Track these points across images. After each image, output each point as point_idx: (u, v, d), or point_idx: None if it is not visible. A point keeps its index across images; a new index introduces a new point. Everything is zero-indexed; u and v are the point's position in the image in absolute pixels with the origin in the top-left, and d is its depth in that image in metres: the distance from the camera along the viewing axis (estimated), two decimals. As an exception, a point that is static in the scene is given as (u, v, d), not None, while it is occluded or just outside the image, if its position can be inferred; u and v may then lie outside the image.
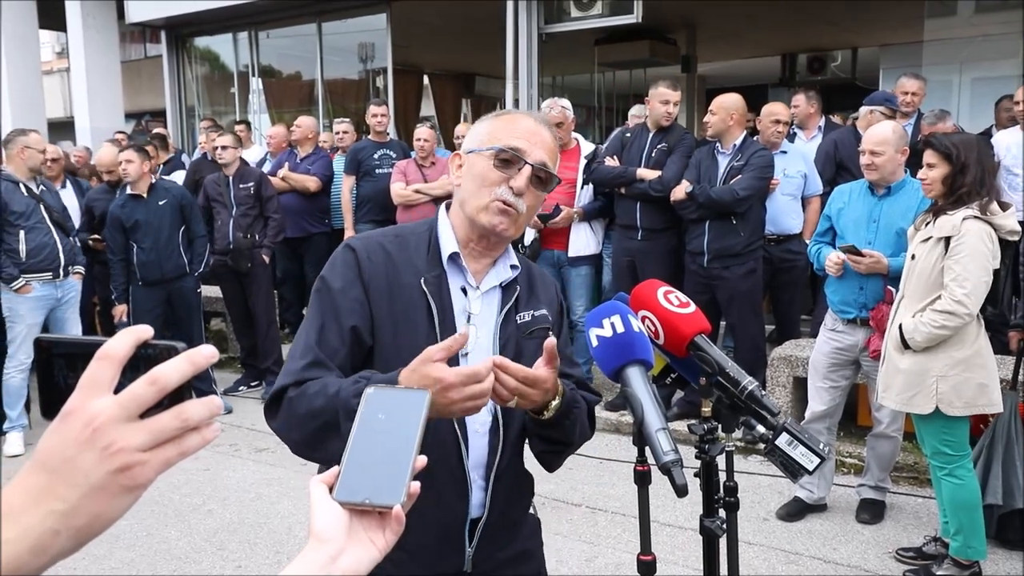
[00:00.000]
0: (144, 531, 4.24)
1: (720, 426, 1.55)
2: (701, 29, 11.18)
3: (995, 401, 3.42)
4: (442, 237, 1.67)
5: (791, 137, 6.10)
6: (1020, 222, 3.48)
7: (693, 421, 1.56)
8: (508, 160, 1.61)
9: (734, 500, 1.57)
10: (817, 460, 1.51)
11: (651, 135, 5.56)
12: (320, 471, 0.92)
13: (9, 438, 5.56)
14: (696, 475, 1.53)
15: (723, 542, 1.57)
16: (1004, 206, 3.39)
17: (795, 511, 4.27)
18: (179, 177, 7.58)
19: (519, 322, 1.69)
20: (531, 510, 1.82)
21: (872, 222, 3.95)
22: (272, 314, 6.75)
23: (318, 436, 1.48)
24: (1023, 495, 3.69)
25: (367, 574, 0.81)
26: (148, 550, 4.06)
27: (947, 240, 3.34)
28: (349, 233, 6.76)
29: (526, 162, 1.61)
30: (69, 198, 6.62)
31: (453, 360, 1.57)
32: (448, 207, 1.73)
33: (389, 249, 1.64)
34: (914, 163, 3.73)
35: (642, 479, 1.49)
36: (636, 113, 6.96)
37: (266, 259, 6.51)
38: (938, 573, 3.57)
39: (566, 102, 5.80)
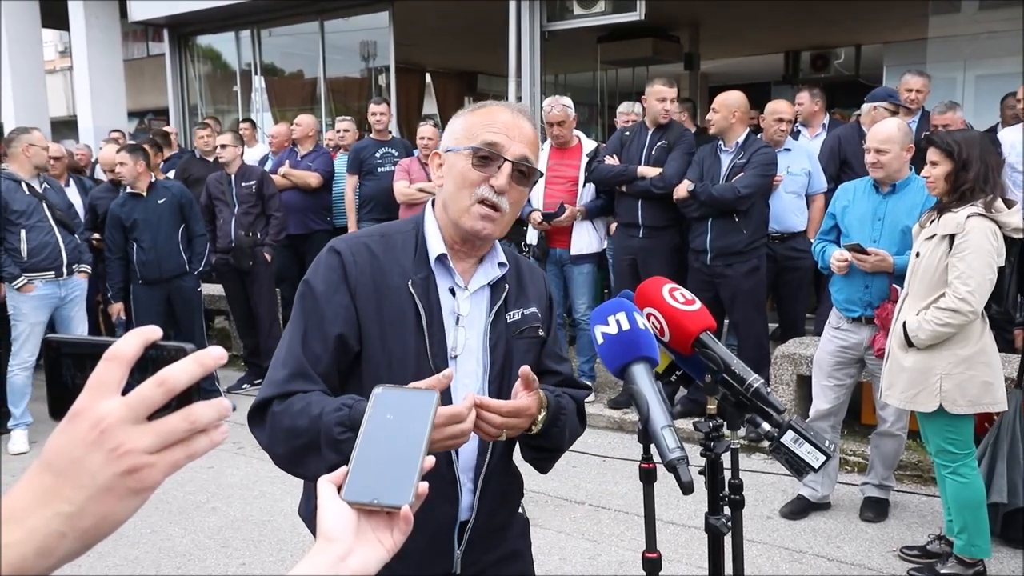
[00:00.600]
0: (148, 528, 4.24)
1: (725, 424, 1.54)
2: (704, 27, 11.16)
3: (1000, 399, 3.41)
4: (429, 237, 1.64)
5: (795, 135, 6.09)
6: (1025, 219, 3.47)
7: (698, 419, 1.56)
8: (487, 157, 1.56)
9: (739, 498, 1.57)
10: (823, 458, 1.51)
11: (650, 133, 5.55)
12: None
13: (13, 436, 5.56)
14: (701, 473, 1.53)
15: (728, 540, 1.57)
16: (1009, 203, 3.38)
17: (799, 509, 4.27)
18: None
19: (509, 321, 1.66)
20: (520, 510, 1.81)
21: (877, 220, 3.94)
22: (275, 312, 6.76)
23: (300, 454, 1.48)
24: (1028, 493, 3.69)
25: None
26: (152, 547, 4.07)
27: (951, 238, 3.33)
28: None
29: (505, 159, 1.56)
30: (72, 196, 6.62)
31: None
32: (435, 203, 1.70)
33: (375, 250, 1.61)
34: (919, 161, 3.72)
35: (647, 476, 1.49)
36: (624, 111, 6.94)
37: (268, 257, 6.52)
38: (942, 571, 3.56)
39: (567, 100, 5.79)
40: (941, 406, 3.37)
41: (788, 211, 5.54)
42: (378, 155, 6.83)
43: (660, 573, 1.53)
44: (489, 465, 1.63)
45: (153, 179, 6.04)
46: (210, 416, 0.70)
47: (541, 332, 1.71)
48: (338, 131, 7.60)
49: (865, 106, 5.68)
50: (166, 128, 9.54)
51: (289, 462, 1.52)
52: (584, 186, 5.72)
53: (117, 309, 6.15)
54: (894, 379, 3.53)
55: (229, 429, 0.75)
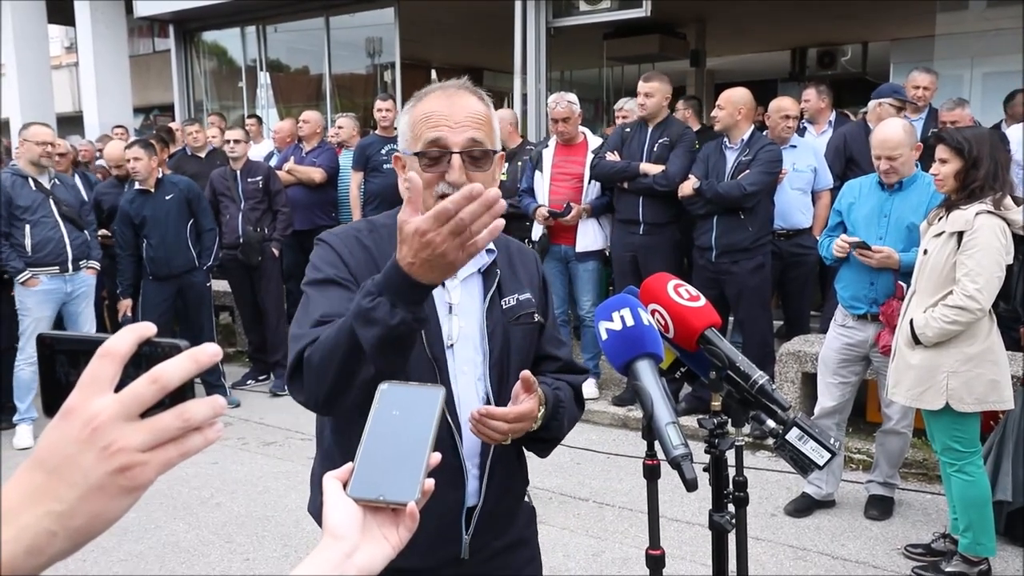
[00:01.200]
0: (152, 524, 4.25)
1: (730, 421, 1.54)
2: (710, 23, 11.13)
3: (1006, 398, 3.39)
4: None
5: (801, 131, 6.08)
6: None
7: (703, 416, 1.56)
8: (435, 156, 1.53)
9: (743, 495, 1.56)
10: (828, 455, 1.50)
11: (650, 129, 5.54)
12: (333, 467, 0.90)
13: (18, 431, 5.59)
14: (705, 470, 1.53)
15: (732, 537, 1.56)
16: (1018, 201, 3.36)
17: (803, 507, 4.26)
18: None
19: (504, 307, 1.66)
20: (526, 499, 1.82)
21: (883, 217, 3.92)
22: (282, 308, 6.77)
23: (344, 370, 1.39)
24: (1034, 492, 3.67)
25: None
26: (156, 543, 4.08)
27: (960, 235, 3.31)
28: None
29: (452, 152, 1.52)
30: (78, 192, 6.64)
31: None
32: None
33: (366, 243, 1.61)
34: (927, 158, 3.71)
35: (651, 473, 1.49)
36: (619, 107, 6.93)
37: (276, 253, 6.53)
38: (947, 570, 3.55)
39: (573, 96, 5.78)
40: (948, 404, 3.36)
41: (794, 208, 5.52)
42: (384, 151, 6.84)
43: (664, 570, 1.53)
44: (495, 450, 1.63)
45: (160, 175, 6.05)
46: (204, 414, 0.69)
47: (537, 317, 1.71)
48: (335, 128, 7.61)
49: (871, 103, 5.66)
50: (172, 124, 9.56)
51: (336, 390, 1.42)
52: (590, 183, 5.72)
53: (126, 306, 6.15)
54: (900, 377, 3.52)
55: (224, 427, 0.74)
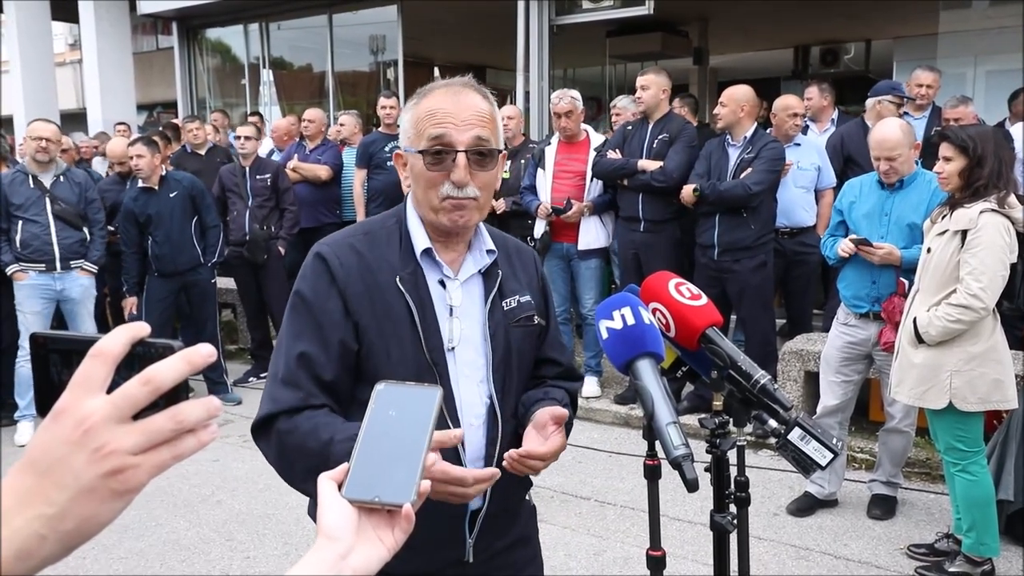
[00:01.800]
0: (153, 521, 4.25)
1: (732, 420, 1.53)
2: (713, 21, 11.11)
3: (1010, 397, 3.38)
4: (412, 231, 1.61)
5: (804, 129, 6.06)
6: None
7: (704, 415, 1.55)
8: (439, 154, 1.52)
9: (745, 495, 1.55)
10: (830, 455, 1.49)
11: (651, 126, 5.53)
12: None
13: (19, 427, 5.60)
14: (706, 470, 1.52)
15: (733, 537, 1.55)
16: (1022, 199, 3.35)
17: (806, 506, 4.25)
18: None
19: (506, 308, 1.64)
20: (527, 498, 1.81)
21: (884, 216, 3.91)
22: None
23: (310, 475, 1.43)
24: (1037, 492, 3.66)
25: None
26: (157, 540, 4.07)
27: (963, 233, 3.30)
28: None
29: (457, 150, 1.51)
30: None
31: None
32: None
33: (360, 249, 1.59)
34: (930, 156, 3.69)
35: (652, 473, 1.48)
36: (614, 105, 6.91)
37: (282, 251, 6.53)
38: (950, 570, 3.54)
39: (575, 93, 5.77)
40: (951, 403, 3.35)
41: (797, 206, 5.51)
42: (387, 149, 6.83)
43: (665, 570, 1.52)
44: (498, 454, 1.62)
45: (164, 172, 6.05)
46: (198, 415, 0.67)
47: (537, 320, 1.69)
48: (337, 125, 7.60)
49: (869, 101, 5.63)
50: (176, 121, 9.55)
51: (301, 479, 1.52)
52: (592, 181, 5.71)
53: (131, 303, 6.13)
54: (903, 376, 3.51)
55: (219, 428, 0.73)
